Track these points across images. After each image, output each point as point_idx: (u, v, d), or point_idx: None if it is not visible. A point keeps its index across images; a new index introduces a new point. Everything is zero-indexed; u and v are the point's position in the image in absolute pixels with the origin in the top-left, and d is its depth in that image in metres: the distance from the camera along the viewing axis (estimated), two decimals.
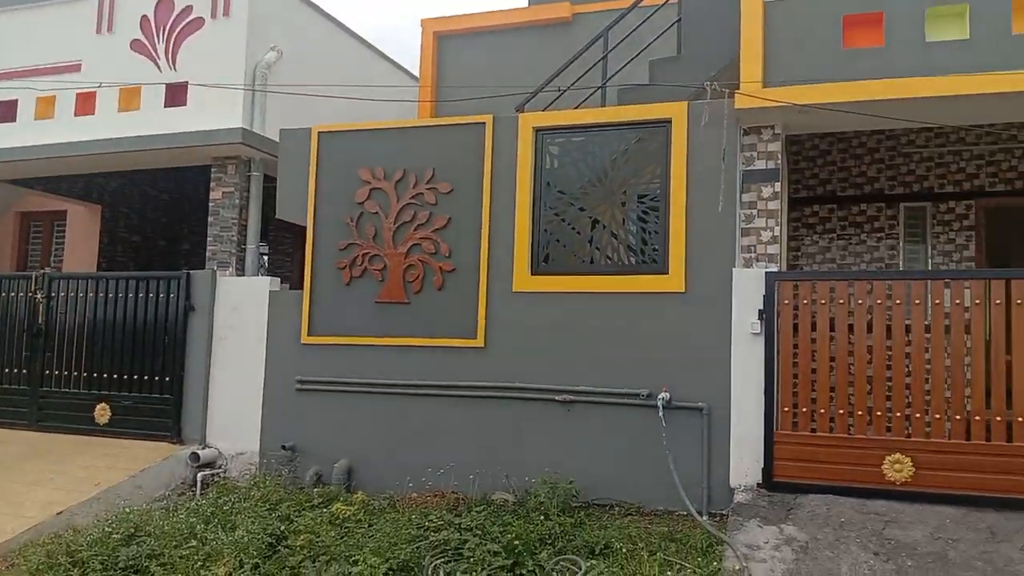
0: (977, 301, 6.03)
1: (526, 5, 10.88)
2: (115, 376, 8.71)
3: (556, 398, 7.12)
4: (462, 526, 6.27)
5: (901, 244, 9.98)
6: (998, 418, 5.93)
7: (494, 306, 7.41)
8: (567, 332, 7.21)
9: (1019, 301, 5.90)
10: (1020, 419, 5.85)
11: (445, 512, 6.55)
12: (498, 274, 7.43)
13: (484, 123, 7.57)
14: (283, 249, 12.68)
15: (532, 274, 7.35)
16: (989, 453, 5.90)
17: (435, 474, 7.27)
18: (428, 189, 7.68)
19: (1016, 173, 9.67)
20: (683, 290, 6.91)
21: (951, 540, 5.55)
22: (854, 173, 10.25)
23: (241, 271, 8.80)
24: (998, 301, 5.95)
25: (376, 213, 7.87)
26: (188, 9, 8.97)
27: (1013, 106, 6.51)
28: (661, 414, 6.66)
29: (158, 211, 12.83)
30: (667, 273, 6.96)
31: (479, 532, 6.14)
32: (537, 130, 7.44)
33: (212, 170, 8.92)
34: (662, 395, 6.72)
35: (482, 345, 7.40)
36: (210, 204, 8.88)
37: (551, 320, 7.26)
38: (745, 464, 6.56)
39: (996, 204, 9.73)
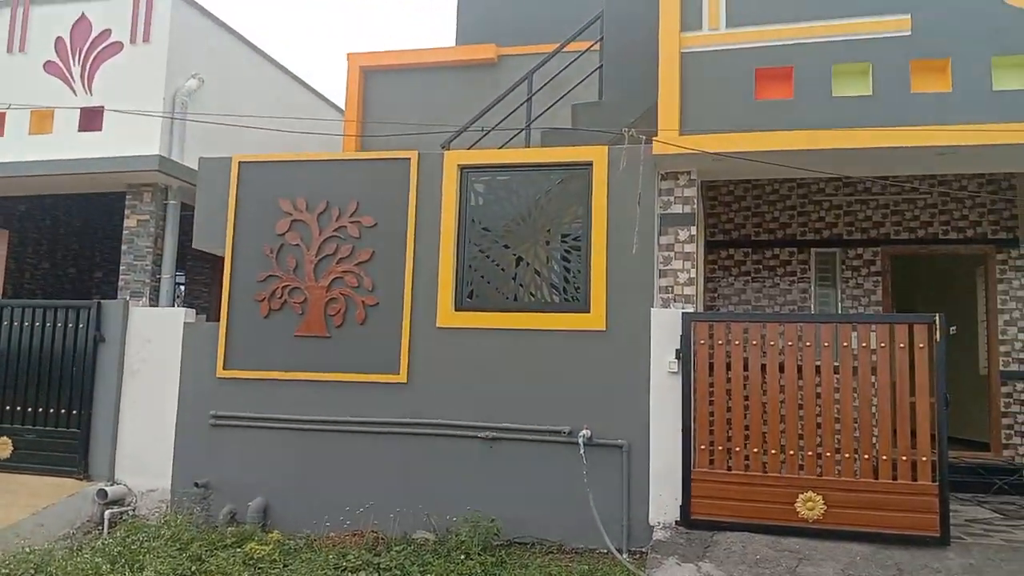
0: (883, 344, 6.32)
1: (453, 44, 11.03)
2: (18, 408, 8.27)
3: (479, 435, 7.10)
4: (381, 566, 6.18)
5: (813, 288, 10.39)
6: (903, 457, 6.19)
7: (417, 341, 7.38)
8: (491, 369, 7.23)
9: (920, 345, 6.21)
10: (923, 458, 6.12)
11: (364, 552, 6.44)
12: (422, 309, 7.41)
13: (409, 159, 7.59)
14: (200, 280, 12.35)
15: (456, 310, 7.35)
16: (896, 492, 6.14)
17: (354, 513, 7.13)
18: (352, 222, 7.63)
19: (919, 222, 10.22)
20: (604, 328, 7.02)
21: None
22: (767, 219, 10.65)
23: (156, 301, 8.53)
24: (902, 345, 6.25)
25: (297, 245, 7.76)
26: (106, 33, 8.76)
27: (913, 158, 6.90)
28: (582, 452, 6.71)
29: (70, 237, 12.33)
30: (588, 312, 7.07)
31: (398, 572, 6.05)
32: (462, 168, 7.51)
33: (127, 197, 8.66)
34: (583, 432, 6.78)
35: (404, 380, 7.34)
36: (124, 232, 8.60)
37: (475, 356, 7.27)
38: (664, 501, 6.65)
39: (901, 251, 10.24)
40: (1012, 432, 9.68)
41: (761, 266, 10.59)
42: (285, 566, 6.09)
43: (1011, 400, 9.73)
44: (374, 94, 10.41)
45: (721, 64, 7.12)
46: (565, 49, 8.35)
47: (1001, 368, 9.77)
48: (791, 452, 6.38)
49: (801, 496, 6.27)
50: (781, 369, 6.55)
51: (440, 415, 7.24)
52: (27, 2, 9.12)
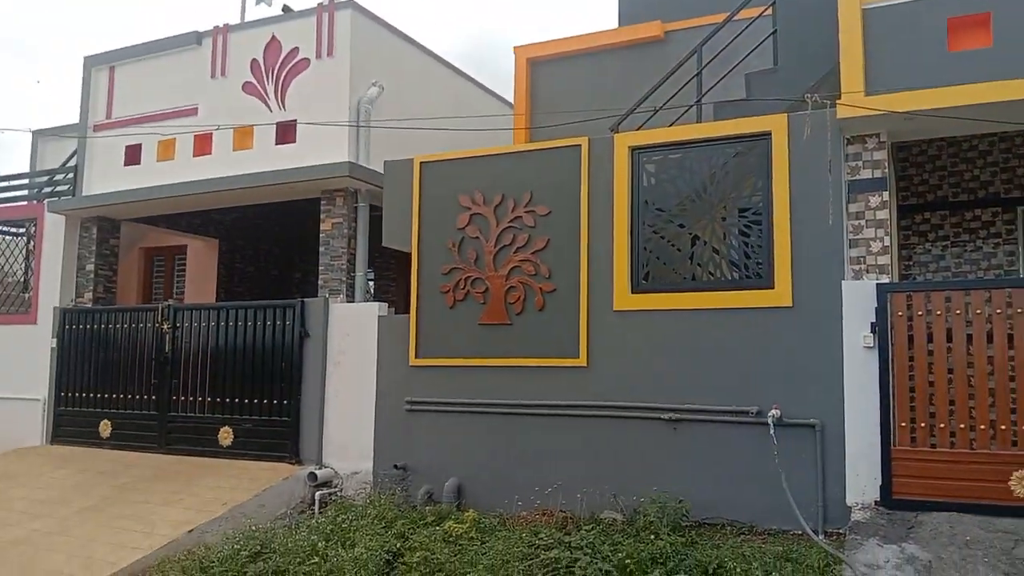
0: None
1: (617, 26, 10.96)
2: (236, 400, 9.19)
3: (662, 416, 7.10)
4: (572, 545, 6.32)
5: (1021, 249, 9.50)
6: None
7: (595, 325, 7.47)
8: (670, 349, 7.20)
9: None
10: None
11: (554, 531, 6.61)
12: (598, 293, 7.49)
13: (580, 145, 7.68)
14: (387, 275, 13.10)
15: (632, 292, 7.37)
16: None
17: (543, 493, 7.33)
18: (526, 212, 7.84)
19: None
20: (790, 304, 6.79)
21: None
22: (966, 178, 9.83)
23: (351, 298, 9.16)
24: None
25: (477, 238, 8.07)
26: (295, 51, 9.48)
27: None
28: (772, 432, 6.55)
29: (270, 242, 13.47)
30: (772, 288, 6.86)
31: (589, 551, 6.17)
32: (633, 149, 7.50)
33: (321, 202, 9.35)
34: (772, 412, 6.61)
35: (585, 364, 7.46)
36: (321, 235, 9.30)
37: (653, 338, 7.27)
38: (861, 481, 6.36)
39: None
40: None
41: (961, 229, 9.81)
42: (482, 543, 6.39)
43: None
44: (541, 84, 10.57)
45: (908, 17, 6.68)
46: (735, 18, 8.10)
47: None
48: (1003, 427, 5.91)
49: (1016, 474, 5.80)
50: (989, 339, 6.06)
51: (622, 397, 7.31)
52: (225, 30, 10.03)
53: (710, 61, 8.19)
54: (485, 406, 7.83)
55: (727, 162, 7.22)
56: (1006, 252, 9.56)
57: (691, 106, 8.22)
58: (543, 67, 10.52)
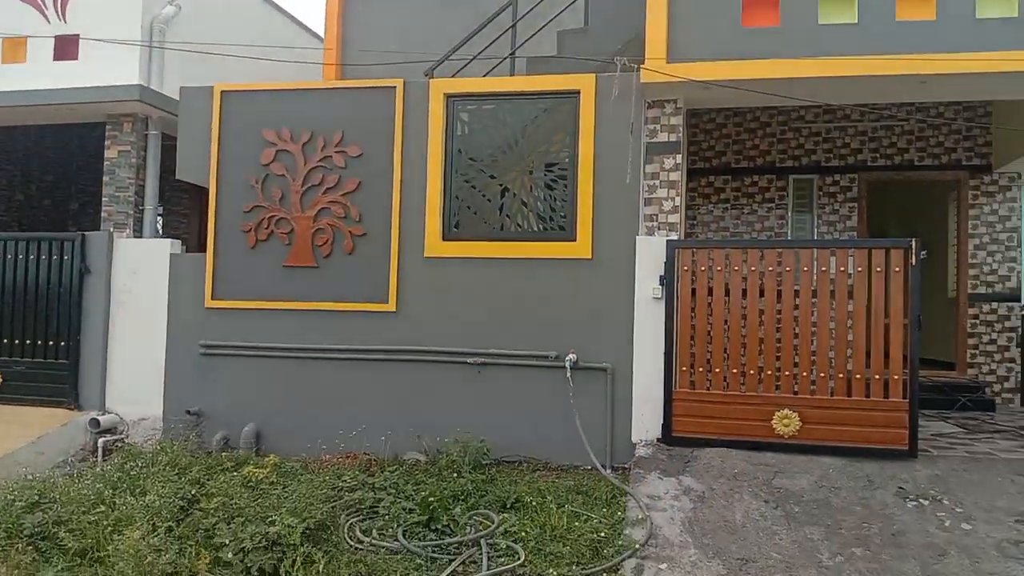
0: (860, 268, 6.53)
1: None
2: (5, 341, 8.32)
3: (467, 361, 7.29)
4: (376, 485, 6.41)
5: (790, 214, 10.58)
6: (876, 376, 6.46)
7: (406, 271, 7.49)
8: (478, 297, 7.37)
9: (896, 269, 6.42)
10: (895, 377, 6.41)
11: (358, 472, 6.66)
12: (410, 239, 7.50)
13: (395, 87, 7.56)
14: (178, 211, 12.25)
15: (444, 239, 7.45)
16: (867, 408, 6.44)
17: (347, 436, 7.33)
18: (337, 152, 7.63)
19: (895, 149, 10.38)
20: (590, 256, 7.17)
21: (834, 488, 6.07)
22: (747, 146, 10.75)
23: (139, 233, 8.50)
24: (879, 268, 6.46)
25: (283, 176, 7.76)
26: None
27: (897, 87, 7.00)
28: (568, 375, 6.94)
29: (44, 169, 12.13)
30: (575, 240, 7.20)
31: (393, 491, 6.29)
32: (449, 96, 7.50)
33: (107, 128, 8.53)
34: (569, 356, 7.00)
35: (393, 310, 7.48)
36: (105, 163, 8.51)
37: (463, 285, 7.40)
38: (646, 420, 6.93)
39: (877, 178, 10.43)
40: (977, 352, 10.08)
41: (740, 193, 10.74)
42: (284, 487, 6.29)
43: (977, 322, 10.11)
44: (353, 21, 10.21)
45: None
46: None
47: (969, 291, 10.10)
48: (768, 372, 6.65)
49: (777, 413, 6.56)
50: (761, 294, 6.76)
51: (430, 343, 7.42)
52: None
53: (524, 15, 8.31)
54: (288, 351, 7.65)
55: (538, 116, 7.42)
56: (777, 216, 10.61)
57: (505, 58, 8.32)
58: (356, 3, 10.16)
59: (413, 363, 7.44)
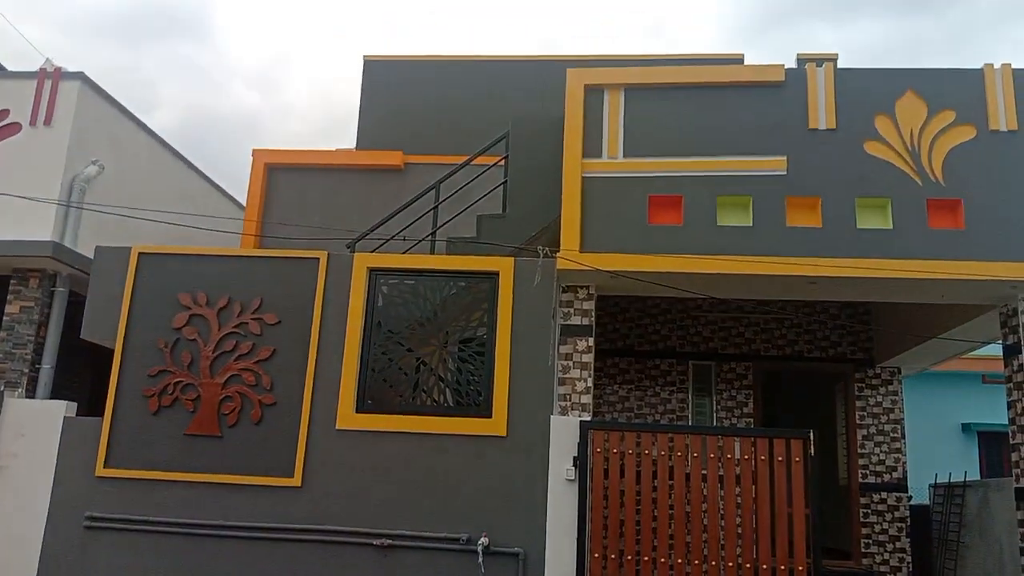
0: (762, 457, 6.74)
1: (355, 146, 11.27)
2: None
3: (373, 542, 6.98)
4: None
5: (690, 397, 10.99)
6: (781, 567, 6.53)
7: (315, 443, 7.27)
8: (389, 473, 7.19)
9: (796, 459, 6.66)
10: (800, 567, 6.49)
11: None
12: (321, 410, 7.34)
13: (318, 259, 7.68)
14: (71, 369, 11.64)
15: (357, 411, 7.34)
16: None
17: None
18: (254, 319, 7.56)
19: (785, 340, 11.09)
20: (504, 434, 7.17)
21: None
22: (650, 331, 11.28)
23: (31, 393, 8.03)
24: (780, 458, 6.70)
25: (194, 340, 7.59)
26: (5, 112, 8.51)
27: (787, 286, 7.61)
28: (480, 560, 6.73)
29: None
30: (491, 417, 7.22)
31: None
32: (372, 270, 7.65)
33: (11, 282, 8.23)
34: (481, 540, 6.81)
35: (299, 484, 7.18)
36: (4, 318, 8.14)
37: (373, 460, 7.22)
38: None
39: (769, 366, 11.04)
40: (870, 541, 10.39)
41: (643, 375, 11.13)
42: None
43: (869, 511, 10.49)
44: (277, 191, 10.46)
45: (619, 189, 7.71)
46: (473, 163, 8.75)
47: (860, 480, 10.54)
48: (679, 561, 6.63)
49: None
50: (670, 476, 6.86)
51: (334, 521, 7.09)
52: None
53: (447, 198, 8.72)
54: (183, 526, 7.13)
55: (457, 294, 7.64)
56: (678, 399, 10.99)
57: (426, 238, 8.62)
58: (281, 174, 10.45)
59: (315, 543, 7.05)
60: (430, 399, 7.47)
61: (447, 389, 7.50)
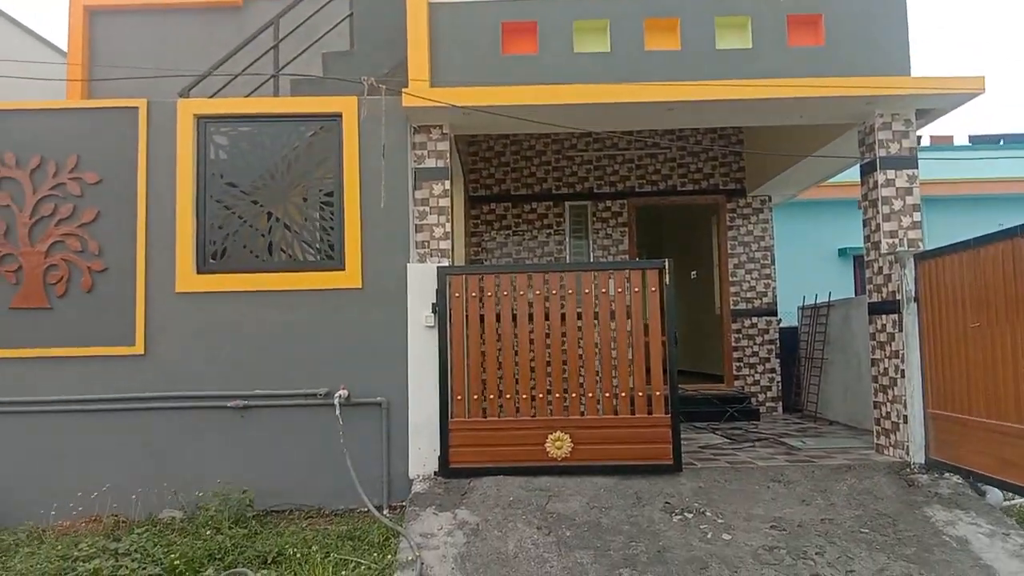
0: (619, 290, 6.68)
1: None
2: None
3: (228, 404, 6.72)
4: (119, 551, 5.68)
5: (567, 239, 10.86)
6: (640, 393, 6.62)
7: (154, 309, 6.81)
8: (240, 333, 6.84)
9: (652, 289, 6.63)
10: (657, 393, 6.58)
11: (100, 538, 5.89)
12: (159, 273, 6.84)
13: (137, 108, 6.92)
14: None
15: (198, 272, 6.86)
16: (633, 426, 6.56)
17: (89, 497, 6.51)
18: (72, 179, 6.85)
19: (660, 175, 10.96)
20: (360, 286, 6.87)
21: (604, 508, 6.10)
22: (526, 174, 10.95)
23: None
24: (636, 289, 6.63)
25: (7, 206, 6.86)
26: None
27: (647, 114, 7.30)
28: (338, 412, 6.57)
29: None
30: (344, 269, 6.87)
31: (139, 556, 5.60)
32: (199, 118, 6.97)
33: None
34: (339, 392, 6.63)
35: (142, 352, 6.77)
36: None
37: (222, 321, 6.84)
38: (423, 454, 6.68)
39: (644, 202, 10.95)
40: (741, 364, 10.77)
41: (521, 220, 10.90)
42: (3, 567, 5.44)
43: (740, 336, 10.81)
44: (103, 37, 9.32)
45: (469, 16, 7.12)
46: None
47: (731, 307, 10.79)
48: (540, 396, 6.62)
49: (551, 436, 6.54)
50: (531, 319, 6.75)
51: (185, 387, 6.77)
52: None
53: (288, 35, 7.92)
54: (15, 404, 6.69)
55: (302, 141, 7.06)
56: (556, 241, 10.84)
57: (268, 79, 7.86)
58: (105, 17, 9.28)
59: (167, 411, 6.75)
60: (280, 254, 7.03)
61: (297, 243, 7.06)
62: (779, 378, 10.82)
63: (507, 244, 10.87)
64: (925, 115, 7.29)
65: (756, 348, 10.81)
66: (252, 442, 6.74)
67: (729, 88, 6.85)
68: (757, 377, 10.78)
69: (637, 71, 7.02)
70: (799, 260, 12.82)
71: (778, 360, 10.83)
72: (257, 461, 6.71)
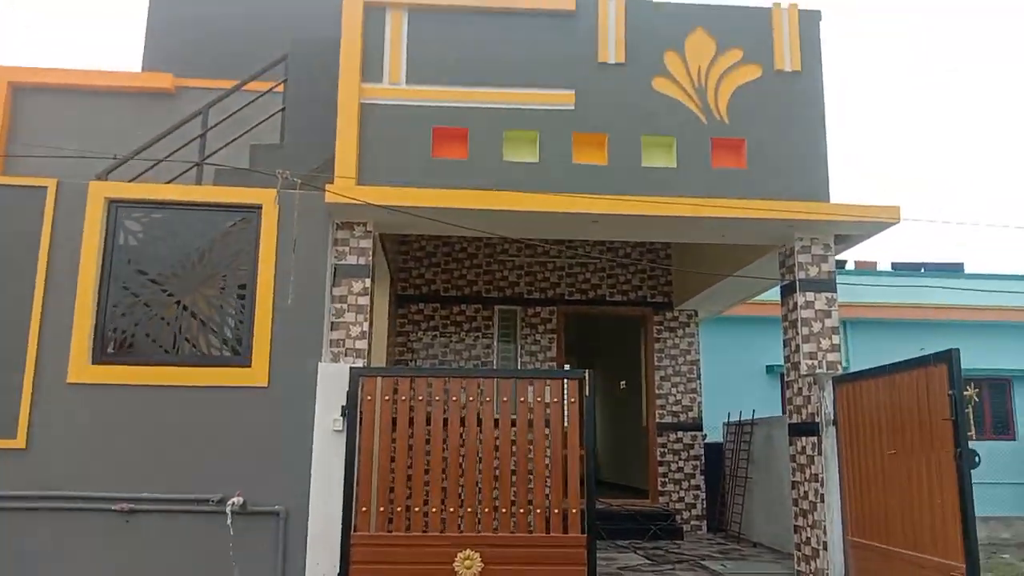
0: (538, 399, 6.48)
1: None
2: None
3: (113, 507, 6.20)
4: None
5: (496, 343, 10.71)
6: (555, 510, 6.30)
7: (42, 400, 6.34)
8: (134, 430, 6.39)
9: (572, 400, 6.43)
10: (573, 510, 6.30)
11: None
12: (51, 363, 6.40)
13: (46, 187, 6.65)
14: None
15: (93, 363, 6.45)
16: (547, 545, 6.20)
17: None
18: None
19: (589, 284, 11.00)
20: (266, 384, 6.54)
21: None
22: (455, 276, 10.87)
23: None
24: (555, 399, 6.45)
25: None
26: None
27: (573, 224, 7.32)
28: (229, 522, 6.11)
29: None
30: (250, 366, 6.55)
31: None
32: (111, 201, 6.72)
33: None
34: (232, 500, 6.19)
35: (23, 447, 6.25)
36: None
37: (115, 416, 6.39)
38: (321, 570, 6.21)
39: (574, 310, 10.92)
40: (667, 479, 10.58)
41: (449, 321, 10.74)
42: None
43: (665, 450, 10.66)
44: (26, 115, 9.08)
45: (400, 118, 7.15)
46: (250, 88, 7.88)
47: (657, 420, 10.67)
48: (452, 509, 6.27)
49: (460, 555, 6.15)
50: (445, 425, 6.48)
51: (69, 486, 6.23)
52: None
53: (216, 124, 7.80)
54: None
55: (218, 232, 6.85)
56: (484, 344, 10.69)
57: (190, 167, 7.68)
58: (30, 95, 9.08)
59: (46, 512, 6.18)
60: (186, 347, 6.67)
61: (202, 337, 6.72)
62: (704, 495, 10.64)
63: (433, 345, 10.66)
64: (844, 240, 7.48)
65: (681, 463, 10.65)
66: (137, 549, 6.20)
67: (653, 205, 6.92)
68: (682, 494, 10.58)
69: (564, 182, 7.07)
70: (728, 376, 12.86)
71: (703, 477, 10.67)
72: (142, 570, 6.15)
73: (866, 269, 16.34)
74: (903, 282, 14.36)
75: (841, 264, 16.56)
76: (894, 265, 16.72)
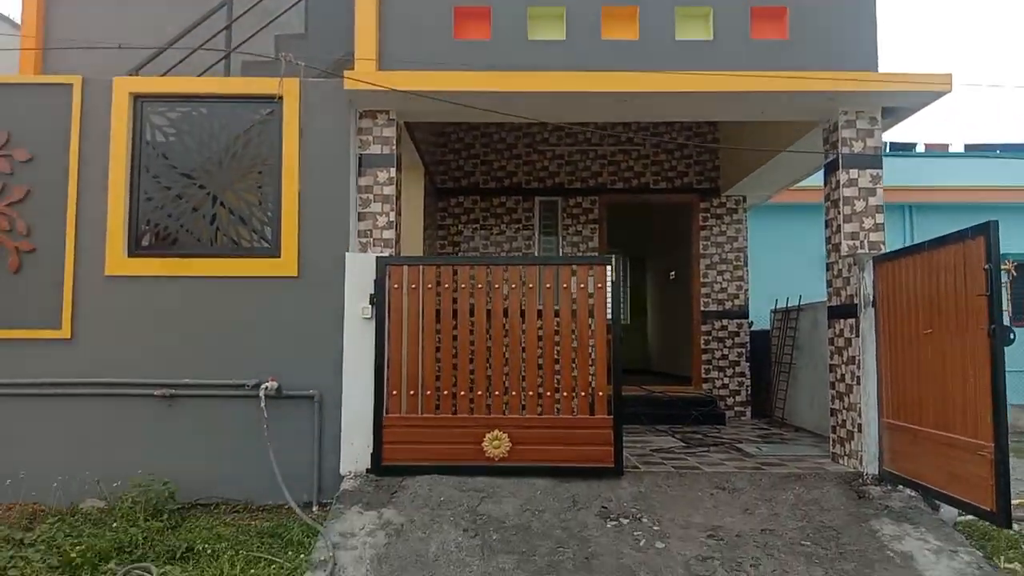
0: (564, 285, 6.43)
1: None
2: None
3: (154, 392, 6.48)
4: (25, 541, 5.47)
5: (536, 234, 10.61)
6: (582, 393, 6.35)
7: (84, 292, 6.58)
8: (171, 321, 6.60)
9: (599, 285, 6.36)
10: (600, 393, 6.33)
11: (6, 528, 5.67)
12: (89, 256, 6.60)
13: (72, 84, 6.69)
14: None
15: (129, 256, 6.63)
16: (574, 426, 6.30)
17: (5, 484, 6.29)
18: (2, 156, 6.62)
19: (633, 172, 10.70)
20: (296, 275, 6.63)
21: (538, 511, 5.85)
22: (495, 167, 10.70)
23: None
24: (582, 285, 6.37)
25: None
26: None
27: (601, 104, 7.02)
28: (263, 404, 6.32)
29: None
30: (279, 257, 6.63)
31: (43, 547, 5.38)
32: (136, 96, 6.74)
33: None
34: (266, 384, 6.39)
35: (68, 337, 6.54)
36: None
37: (152, 307, 6.60)
38: (356, 450, 6.43)
39: (616, 200, 10.69)
40: (710, 367, 10.51)
41: (489, 213, 10.66)
42: None
43: (709, 338, 10.55)
44: (60, 13, 9.10)
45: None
46: None
47: (702, 308, 10.53)
48: (479, 392, 6.37)
49: (488, 435, 6.29)
50: (472, 312, 6.50)
51: (111, 373, 6.52)
52: None
53: (242, 15, 7.68)
54: None
55: (241, 123, 6.82)
56: (524, 236, 10.60)
57: (219, 60, 7.62)
58: None
59: (92, 397, 6.51)
60: (213, 239, 6.78)
61: (233, 229, 6.81)
62: (748, 382, 10.56)
63: (474, 238, 10.63)
64: (891, 114, 7.02)
65: (726, 351, 10.55)
66: (178, 432, 6.50)
67: (685, 79, 6.59)
68: (726, 380, 10.52)
69: (593, 60, 6.77)
70: (782, 264, 12.52)
71: (748, 364, 10.56)
72: (183, 452, 6.47)
73: (936, 151, 15.50)
74: (972, 165, 13.57)
75: (911, 146, 15.74)
76: (967, 147, 15.78)
